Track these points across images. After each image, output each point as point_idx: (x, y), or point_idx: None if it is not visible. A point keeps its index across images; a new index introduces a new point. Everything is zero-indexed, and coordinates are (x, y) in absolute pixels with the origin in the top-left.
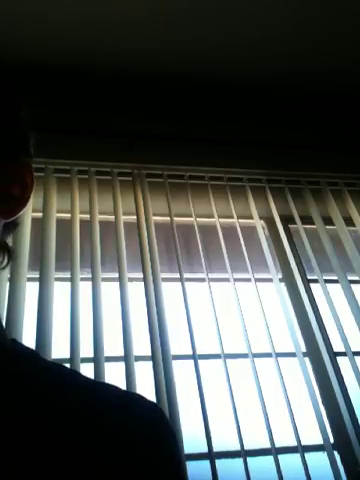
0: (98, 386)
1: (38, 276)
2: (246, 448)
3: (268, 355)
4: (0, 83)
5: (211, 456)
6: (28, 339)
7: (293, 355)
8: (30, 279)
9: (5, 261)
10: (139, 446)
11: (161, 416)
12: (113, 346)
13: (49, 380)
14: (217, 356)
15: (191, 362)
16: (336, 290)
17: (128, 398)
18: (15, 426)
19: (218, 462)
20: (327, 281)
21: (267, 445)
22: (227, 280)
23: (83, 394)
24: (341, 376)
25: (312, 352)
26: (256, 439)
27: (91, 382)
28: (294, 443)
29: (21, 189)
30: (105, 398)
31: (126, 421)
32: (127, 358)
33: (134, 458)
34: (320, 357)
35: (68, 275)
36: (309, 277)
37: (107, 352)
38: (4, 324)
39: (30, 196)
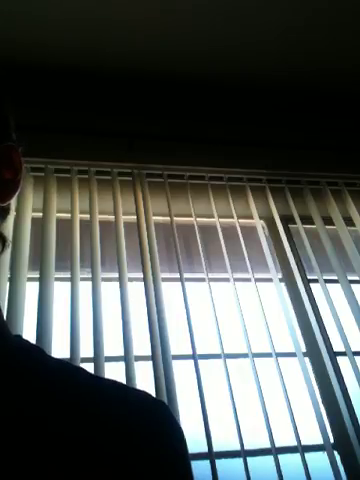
0: (101, 383)
1: (38, 276)
2: (246, 448)
3: (268, 355)
4: None
5: (211, 456)
6: (28, 339)
7: (293, 355)
8: (30, 279)
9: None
10: (141, 445)
11: (164, 412)
12: (113, 346)
13: (51, 378)
14: (217, 356)
15: (191, 362)
16: (336, 290)
17: (131, 395)
18: (14, 425)
19: (218, 462)
20: (327, 281)
21: (267, 445)
22: (227, 280)
23: (85, 392)
24: (341, 376)
25: (312, 352)
26: (256, 439)
27: (94, 379)
28: (294, 443)
29: (12, 172)
30: (107, 396)
31: (128, 419)
32: (127, 358)
33: (135, 457)
34: (320, 357)
35: (68, 275)
36: (309, 277)
37: (107, 352)
38: None
39: (21, 179)
